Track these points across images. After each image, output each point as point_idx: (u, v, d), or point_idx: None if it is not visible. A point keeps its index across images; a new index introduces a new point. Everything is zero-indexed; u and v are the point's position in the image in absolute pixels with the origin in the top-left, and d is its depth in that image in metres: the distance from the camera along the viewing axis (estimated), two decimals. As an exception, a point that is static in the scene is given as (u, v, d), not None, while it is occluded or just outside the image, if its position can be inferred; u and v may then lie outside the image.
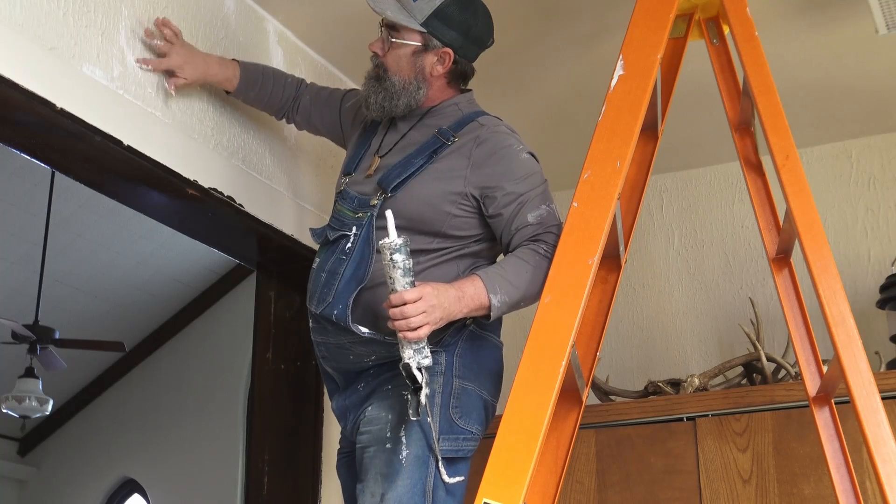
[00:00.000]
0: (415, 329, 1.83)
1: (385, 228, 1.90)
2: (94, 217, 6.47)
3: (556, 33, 2.87)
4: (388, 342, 1.96)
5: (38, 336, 5.91)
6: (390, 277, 1.85)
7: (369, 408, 2.05)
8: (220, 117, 2.55)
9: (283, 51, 2.83)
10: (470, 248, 2.08)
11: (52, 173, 5.79)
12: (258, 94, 2.48)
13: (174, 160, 2.35)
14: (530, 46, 2.93)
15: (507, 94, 3.18)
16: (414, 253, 1.96)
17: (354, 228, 2.06)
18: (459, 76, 2.19)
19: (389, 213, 1.86)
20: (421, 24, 2.07)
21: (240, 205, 2.54)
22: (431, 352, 1.95)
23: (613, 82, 2.13)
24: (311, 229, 2.20)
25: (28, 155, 2.23)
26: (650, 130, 2.36)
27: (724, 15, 2.37)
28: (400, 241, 1.84)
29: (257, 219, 2.60)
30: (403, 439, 1.94)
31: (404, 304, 1.82)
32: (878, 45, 2.88)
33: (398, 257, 1.84)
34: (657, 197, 3.69)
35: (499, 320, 2.15)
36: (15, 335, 5.86)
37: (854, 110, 3.26)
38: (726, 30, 2.43)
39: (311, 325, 2.13)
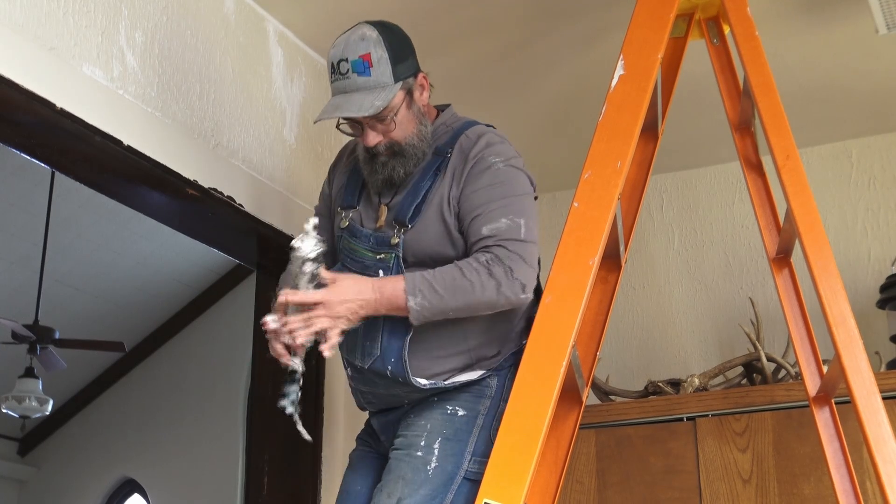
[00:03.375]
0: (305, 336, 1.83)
1: (411, 264, 1.94)
2: (94, 217, 6.47)
3: (556, 33, 2.87)
4: (448, 387, 1.96)
5: (38, 336, 5.91)
6: (295, 282, 1.87)
7: (412, 415, 2.03)
8: (220, 117, 2.55)
9: (283, 51, 2.83)
10: None
11: (52, 173, 5.79)
12: None
13: (174, 160, 2.35)
14: (530, 46, 2.93)
15: (508, 94, 3.18)
16: None
17: (381, 272, 1.99)
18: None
19: (309, 222, 1.87)
20: (395, 83, 1.98)
21: (240, 205, 2.54)
22: (486, 377, 1.98)
23: (614, 82, 2.13)
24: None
25: (28, 155, 2.23)
26: (650, 130, 2.36)
27: (724, 15, 2.37)
28: (314, 253, 1.85)
29: (257, 219, 2.60)
30: (436, 451, 1.93)
31: (304, 305, 1.83)
32: (878, 45, 2.88)
33: (308, 267, 1.86)
34: (657, 197, 3.69)
35: None
36: (15, 335, 5.86)
37: (854, 110, 3.26)
38: (727, 29, 2.43)
39: (350, 374, 2.08)
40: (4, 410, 6.40)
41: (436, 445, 1.93)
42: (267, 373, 2.84)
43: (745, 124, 2.41)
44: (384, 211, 2.05)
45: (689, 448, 2.80)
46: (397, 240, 1.99)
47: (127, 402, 7.79)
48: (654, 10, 2.21)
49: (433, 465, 1.91)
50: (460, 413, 1.95)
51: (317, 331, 1.84)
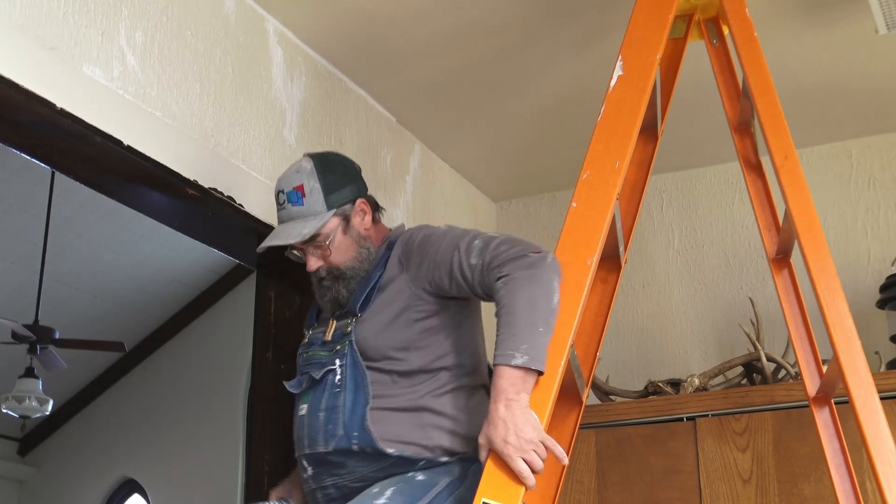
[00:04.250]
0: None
1: (369, 357, 1.99)
2: (94, 217, 6.47)
3: (556, 34, 2.87)
4: (412, 457, 1.95)
5: (38, 336, 5.91)
6: None
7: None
8: (220, 117, 2.55)
9: (283, 51, 2.83)
10: (462, 373, 2.05)
11: (52, 173, 5.79)
12: None
13: (174, 160, 2.35)
14: (530, 47, 2.93)
15: (508, 94, 3.19)
16: (404, 377, 1.99)
17: (338, 360, 2.05)
18: (376, 209, 2.21)
19: None
20: (328, 210, 2.09)
21: (240, 205, 2.54)
22: (450, 462, 1.99)
23: (613, 82, 2.13)
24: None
25: (28, 155, 2.23)
26: (650, 131, 2.36)
27: (723, 16, 2.38)
28: None
29: (257, 219, 2.60)
30: (387, 494, 1.93)
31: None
32: (878, 45, 2.88)
33: None
34: (657, 197, 3.69)
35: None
36: (15, 335, 5.86)
37: (854, 110, 3.26)
38: (726, 31, 2.43)
39: (311, 473, 2.06)
40: (4, 410, 6.40)
41: (388, 492, 1.93)
42: (267, 373, 2.85)
43: (744, 125, 2.41)
44: (332, 325, 2.12)
45: (689, 448, 2.80)
46: (350, 328, 2.05)
47: (127, 402, 7.80)
48: (652, 10, 2.21)
49: (382, 499, 1.91)
50: (419, 477, 1.95)
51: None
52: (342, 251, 2.10)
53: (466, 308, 2.10)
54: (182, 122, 2.42)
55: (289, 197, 2.11)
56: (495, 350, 1.83)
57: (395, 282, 2.06)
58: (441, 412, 1.99)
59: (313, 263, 2.11)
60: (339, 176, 2.13)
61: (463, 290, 2.00)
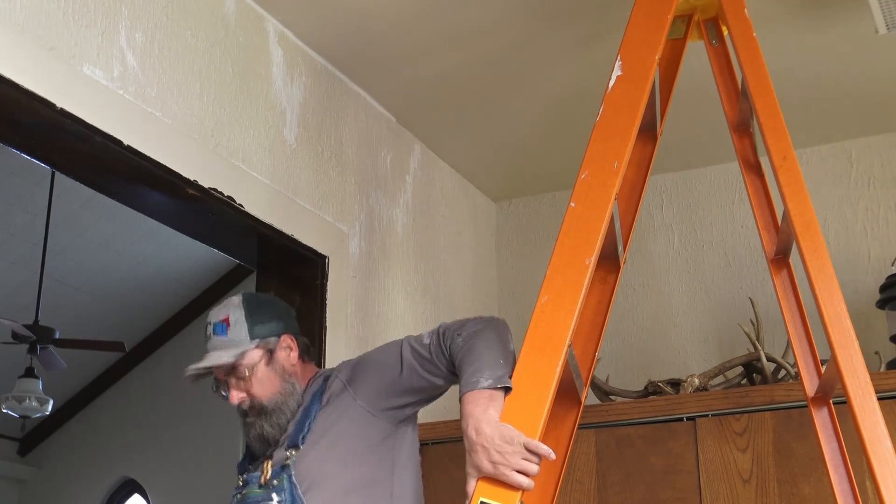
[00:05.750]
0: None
1: (306, 489, 1.95)
2: (94, 217, 6.47)
3: (556, 34, 2.87)
4: None
5: (38, 336, 5.91)
6: None
7: None
8: (220, 117, 2.55)
9: (283, 51, 2.83)
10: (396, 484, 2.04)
11: (52, 173, 5.80)
12: None
13: (174, 160, 2.35)
14: (530, 47, 2.93)
15: (508, 94, 3.19)
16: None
17: (275, 496, 1.99)
18: (306, 351, 2.19)
19: None
20: (251, 341, 2.07)
21: (240, 205, 2.54)
22: None
23: (611, 83, 2.13)
24: None
25: (28, 155, 2.23)
26: (649, 131, 2.36)
27: (722, 16, 2.37)
28: None
29: (257, 219, 2.61)
30: None
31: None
32: (878, 45, 2.88)
33: None
34: (657, 197, 3.70)
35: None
36: (15, 335, 5.86)
37: (854, 110, 3.26)
38: (725, 31, 2.43)
39: None
40: (4, 410, 6.40)
41: None
42: (266, 373, 2.85)
43: (743, 125, 2.41)
44: (268, 466, 2.06)
45: (689, 448, 2.80)
46: (290, 462, 2.01)
47: (127, 402, 7.79)
48: (651, 11, 2.21)
49: None
50: None
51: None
52: (265, 384, 2.07)
53: (410, 430, 2.10)
54: (182, 122, 2.42)
55: (214, 328, 2.10)
56: (460, 384, 1.86)
57: (338, 402, 2.04)
58: None
59: (235, 396, 2.09)
60: (265, 312, 2.12)
61: (419, 376, 2.00)
